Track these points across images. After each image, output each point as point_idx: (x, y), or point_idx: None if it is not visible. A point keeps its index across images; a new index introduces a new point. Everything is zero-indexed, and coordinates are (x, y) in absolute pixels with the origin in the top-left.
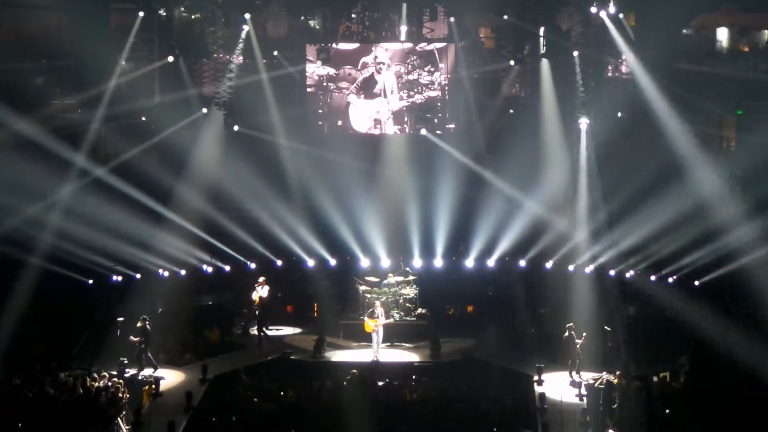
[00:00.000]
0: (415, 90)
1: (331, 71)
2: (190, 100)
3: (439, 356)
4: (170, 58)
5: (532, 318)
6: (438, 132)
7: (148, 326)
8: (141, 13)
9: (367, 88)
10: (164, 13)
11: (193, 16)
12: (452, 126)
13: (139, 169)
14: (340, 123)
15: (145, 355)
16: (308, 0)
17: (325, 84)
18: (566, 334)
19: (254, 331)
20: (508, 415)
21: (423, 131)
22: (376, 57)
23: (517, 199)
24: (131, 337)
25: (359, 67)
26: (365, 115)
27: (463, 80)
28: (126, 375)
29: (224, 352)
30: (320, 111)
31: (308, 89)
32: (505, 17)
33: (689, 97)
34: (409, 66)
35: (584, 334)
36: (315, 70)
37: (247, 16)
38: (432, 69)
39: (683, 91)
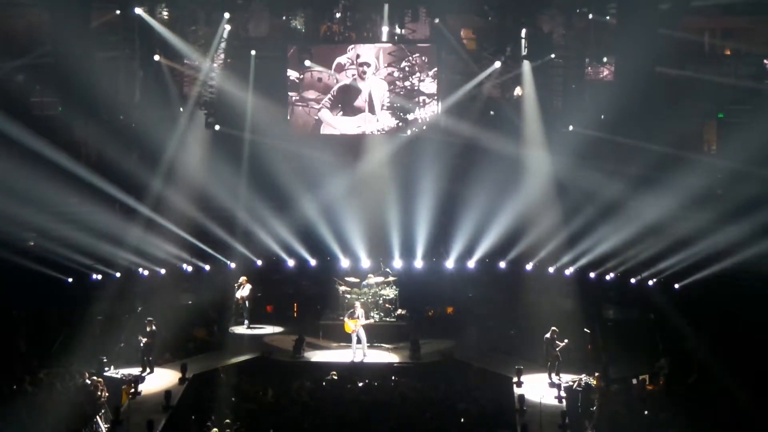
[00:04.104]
0: (415, 102)
1: (293, 74)
2: (172, 100)
3: (419, 357)
4: (156, 58)
5: (512, 320)
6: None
7: (154, 327)
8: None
9: (346, 100)
10: (144, 13)
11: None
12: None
13: (119, 167)
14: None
15: (149, 357)
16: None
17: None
18: (547, 335)
19: (235, 330)
20: (487, 417)
21: (408, 132)
22: (358, 56)
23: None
24: (140, 338)
25: (333, 68)
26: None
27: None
28: (105, 373)
29: (204, 352)
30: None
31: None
32: (489, 18)
33: (671, 100)
34: (406, 68)
35: (566, 340)
36: None
37: (227, 15)
38: (438, 71)
39: (665, 94)
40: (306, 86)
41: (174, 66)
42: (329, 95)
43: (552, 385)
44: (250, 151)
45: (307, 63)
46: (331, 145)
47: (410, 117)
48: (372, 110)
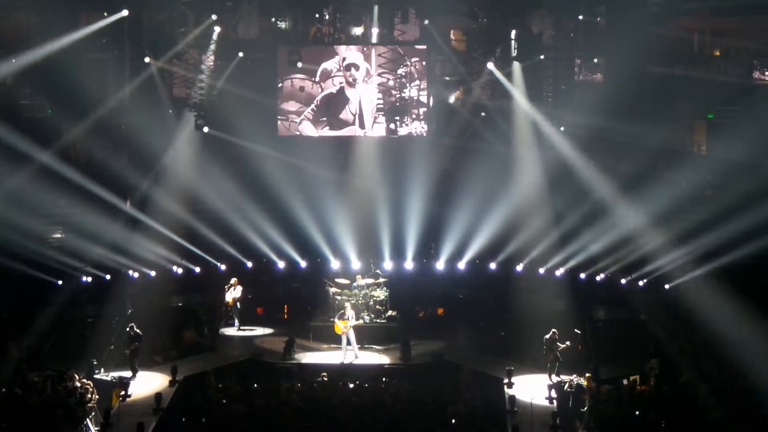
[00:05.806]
0: (413, 116)
1: None
2: (161, 102)
3: (409, 358)
4: (146, 60)
5: (502, 321)
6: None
7: (137, 330)
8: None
9: (332, 111)
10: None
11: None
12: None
13: (109, 169)
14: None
15: (135, 361)
16: (279, 1)
17: None
18: (547, 336)
19: (226, 331)
20: (478, 418)
21: (399, 133)
22: (344, 59)
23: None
24: (127, 349)
25: (318, 77)
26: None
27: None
28: (95, 376)
29: (194, 354)
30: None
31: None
32: (479, 20)
33: (660, 101)
34: (403, 74)
35: (567, 342)
36: None
37: (214, 17)
38: (428, 73)
39: (654, 95)
40: (285, 96)
41: (163, 67)
42: (312, 106)
43: (552, 385)
44: (240, 152)
45: (300, 65)
46: (321, 147)
47: (403, 131)
48: (362, 123)
